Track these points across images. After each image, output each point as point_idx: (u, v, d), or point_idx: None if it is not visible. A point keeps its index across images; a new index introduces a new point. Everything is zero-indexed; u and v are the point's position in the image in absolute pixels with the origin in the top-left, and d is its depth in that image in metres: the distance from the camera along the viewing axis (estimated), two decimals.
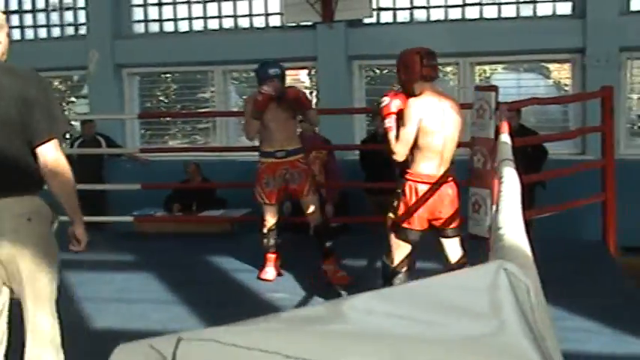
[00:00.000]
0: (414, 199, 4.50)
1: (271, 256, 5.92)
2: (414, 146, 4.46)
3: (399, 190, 4.56)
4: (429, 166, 4.49)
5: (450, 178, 4.59)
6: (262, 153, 5.75)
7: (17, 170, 2.98)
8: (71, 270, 6.33)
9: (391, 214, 4.63)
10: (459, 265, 4.60)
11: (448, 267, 4.67)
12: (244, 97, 10.30)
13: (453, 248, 4.68)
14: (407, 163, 4.52)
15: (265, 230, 5.86)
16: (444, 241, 4.68)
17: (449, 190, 4.58)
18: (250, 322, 0.79)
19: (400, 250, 4.63)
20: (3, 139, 2.94)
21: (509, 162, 2.63)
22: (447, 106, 4.52)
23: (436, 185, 4.51)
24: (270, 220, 5.83)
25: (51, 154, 2.99)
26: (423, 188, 4.50)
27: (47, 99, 3.05)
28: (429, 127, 4.41)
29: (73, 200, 3.13)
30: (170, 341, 0.74)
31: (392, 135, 4.45)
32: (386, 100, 4.56)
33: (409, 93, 4.53)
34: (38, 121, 2.96)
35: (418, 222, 4.56)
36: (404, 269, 4.66)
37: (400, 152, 4.46)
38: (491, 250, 1.55)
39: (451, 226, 4.66)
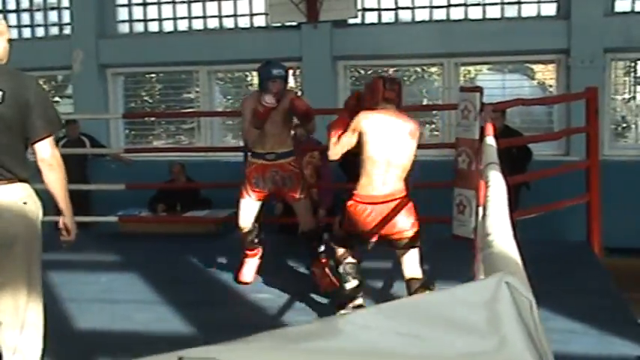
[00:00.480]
0: (355, 218, 4.65)
1: (251, 254, 5.78)
2: (361, 162, 4.64)
3: (344, 205, 4.76)
4: (372, 186, 4.60)
5: (399, 197, 4.62)
6: (253, 154, 5.67)
7: (16, 163, 3.36)
8: (55, 270, 6.30)
9: (336, 227, 4.90)
10: (416, 283, 4.62)
11: (406, 282, 4.69)
12: (229, 97, 10.30)
13: (406, 261, 4.68)
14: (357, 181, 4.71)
15: (243, 226, 5.67)
16: (397, 252, 4.72)
17: (393, 205, 4.61)
18: (249, 340, 0.78)
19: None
20: (4, 137, 3.29)
21: (495, 166, 2.63)
22: (400, 128, 4.62)
23: (379, 205, 4.59)
24: (247, 217, 5.65)
25: (47, 150, 3.39)
26: (363, 208, 4.61)
27: (44, 101, 3.43)
28: (371, 142, 4.56)
29: (65, 192, 3.57)
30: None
31: (334, 136, 4.75)
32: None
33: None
34: (35, 121, 3.33)
35: (361, 238, 4.75)
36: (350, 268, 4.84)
37: (333, 153, 4.78)
38: (480, 257, 1.55)
39: (399, 239, 4.65)
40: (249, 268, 5.79)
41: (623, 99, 9.26)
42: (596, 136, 6.69)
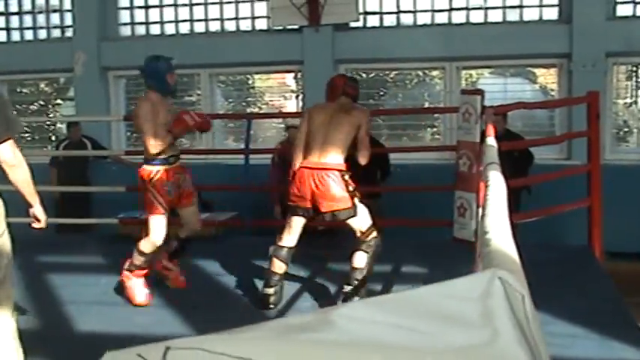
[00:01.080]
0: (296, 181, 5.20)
1: (142, 274, 5.47)
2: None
3: None
4: (309, 154, 5.20)
5: (331, 167, 5.11)
6: (160, 160, 5.30)
7: None
8: (54, 272, 6.30)
9: None
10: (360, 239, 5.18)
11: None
12: (230, 99, 10.29)
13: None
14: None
15: (149, 250, 5.35)
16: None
17: (325, 176, 5.08)
18: (239, 331, 0.78)
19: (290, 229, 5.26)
20: None
21: (495, 165, 2.63)
22: (337, 112, 5.32)
23: (312, 171, 5.12)
24: (163, 231, 5.35)
25: (9, 151, 3.59)
26: (302, 171, 5.18)
27: (3, 106, 3.62)
28: (312, 122, 5.32)
29: (30, 187, 3.81)
30: (158, 350, 0.72)
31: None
32: None
33: None
34: None
35: (302, 200, 5.17)
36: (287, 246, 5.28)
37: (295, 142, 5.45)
38: (478, 255, 1.54)
39: (328, 210, 5.11)
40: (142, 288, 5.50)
41: (625, 103, 9.27)
42: (597, 140, 6.68)
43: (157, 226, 5.30)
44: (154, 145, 5.19)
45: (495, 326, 0.77)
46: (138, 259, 5.37)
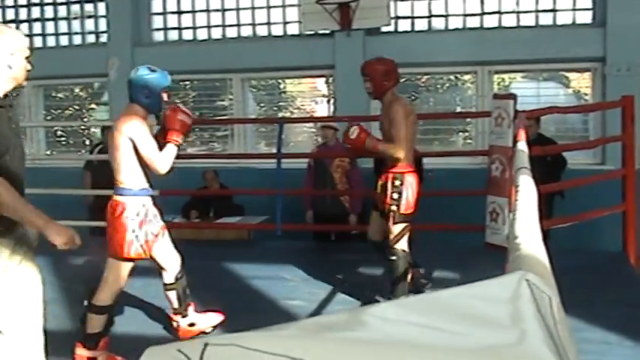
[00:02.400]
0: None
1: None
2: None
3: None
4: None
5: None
6: (142, 189, 4.49)
7: None
8: (89, 274, 6.37)
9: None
10: None
11: None
12: (262, 104, 10.33)
13: None
14: None
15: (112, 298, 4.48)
16: None
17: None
18: (274, 328, 0.79)
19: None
20: None
21: (525, 170, 2.61)
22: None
23: None
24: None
25: None
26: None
27: None
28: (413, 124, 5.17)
29: (17, 212, 3.16)
30: (197, 346, 0.74)
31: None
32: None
33: None
34: None
35: None
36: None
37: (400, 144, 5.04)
38: (508, 260, 1.54)
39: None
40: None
41: None
42: (632, 144, 6.61)
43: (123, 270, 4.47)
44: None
45: (523, 327, 0.77)
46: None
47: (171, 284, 4.72)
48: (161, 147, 4.36)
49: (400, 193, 4.95)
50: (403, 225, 5.03)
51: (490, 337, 0.77)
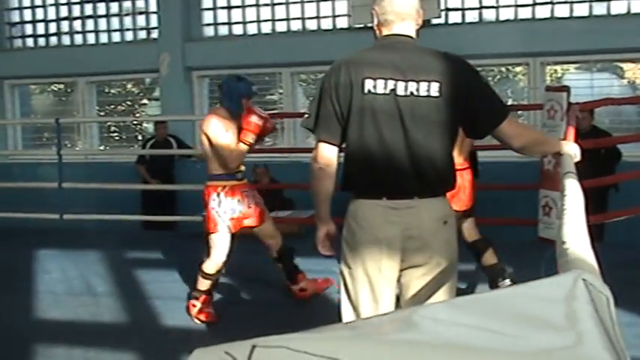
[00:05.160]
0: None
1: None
2: None
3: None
4: None
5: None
6: (225, 175, 5.08)
7: None
8: (143, 268, 6.46)
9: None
10: None
11: None
12: (311, 98, 10.36)
13: None
14: None
15: (213, 270, 5.03)
16: None
17: None
18: (322, 330, 0.79)
19: None
20: None
21: (572, 175, 2.57)
22: None
23: None
24: (225, 250, 5.08)
25: None
26: None
27: None
28: None
29: None
30: (245, 348, 0.74)
31: None
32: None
33: None
34: None
35: None
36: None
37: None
38: (558, 265, 1.52)
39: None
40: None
41: None
42: None
43: (220, 244, 5.02)
44: (231, 160, 4.97)
45: (580, 329, 0.76)
46: (203, 284, 5.06)
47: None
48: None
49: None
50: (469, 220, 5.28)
51: (546, 339, 0.76)
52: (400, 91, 2.77)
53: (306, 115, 3.00)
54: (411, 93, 2.76)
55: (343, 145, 2.94)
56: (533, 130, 3.13)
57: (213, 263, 5.01)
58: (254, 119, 4.96)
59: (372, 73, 2.79)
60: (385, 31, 2.98)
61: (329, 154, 2.93)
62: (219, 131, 4.92)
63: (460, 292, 5.36)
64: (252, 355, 0.72)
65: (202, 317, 5.03)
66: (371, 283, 2.87)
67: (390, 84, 2.77)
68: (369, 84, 2.78)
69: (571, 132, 4.67)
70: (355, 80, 2.80)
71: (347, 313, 3.00)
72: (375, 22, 3.03)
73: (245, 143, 4.95)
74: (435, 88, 2.76)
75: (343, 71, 2.83)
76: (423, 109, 2.77)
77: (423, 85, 2.77)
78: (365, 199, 2.87)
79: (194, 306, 5.06)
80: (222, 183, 5.06)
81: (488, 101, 2.89)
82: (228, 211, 5.04)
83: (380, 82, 2.77)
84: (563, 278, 0.90)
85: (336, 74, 2.86)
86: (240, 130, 4.99)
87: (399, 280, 2.92)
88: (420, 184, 2.81)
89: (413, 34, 2.98)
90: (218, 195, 5.03)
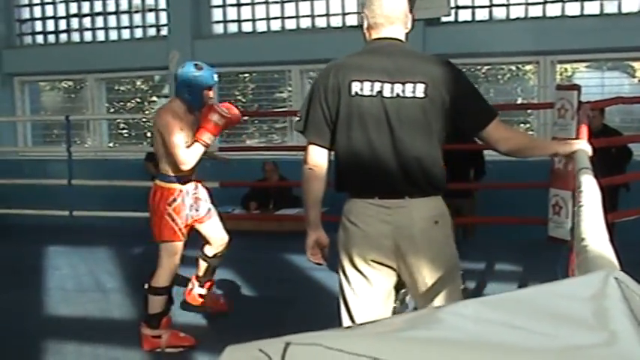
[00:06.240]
0: None
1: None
2: None
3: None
4: None
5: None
6: (179, 177, 4.64)
7: None
8: (150, 265, 6.47)
9: None
10: None
11: None
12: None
13: None
14: None
15: (167, 282, 4.64)
16: None
17: None
18: (357, 327, 0.78)
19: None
20: None
21: (587, 170, 2.56)
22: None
23: None
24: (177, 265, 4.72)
25: None
26: None
27: None
28: None
29: None
30: (278, 345, 0.73)
31: None
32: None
33: None
34: None
35: None
36: None
37: None
38: (576, 262, 1.50)
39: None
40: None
41: None
42: None
43: (176, 253, 4.64)
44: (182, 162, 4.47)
45: (613, 328, 0.75)
46: (157, 304, 4.63)
47: (207, 257, 4.98)
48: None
49: None
50: None
51: (578, 337, 0.75)
52: (386, 93, 2.81)
53: (297, 118, 3.02)
54: (397, 94, 2.81)
55: (333, 147, 2.96)
56: (522, 134, 3.20)
57: (166, 274, 4.59)
58: (214, 118, 4.50)
59: (359, 76, 2.84)
60: (374, 35, 3.02)
61: (319, 157, 2.94)
62: (172, 130, 4.39)
63: (470, 292, 5.36)
64: (286, 352, 0.72)
65: (180, 342, 4.61)
66: (367, 279, 2.91)
67: (377, 86, 2.82)
68: (355, 86, 2.84)
69: (584, 130, 4.66)
70: (342, 83, 2.85)
71: (345, 311, 3.01)
72: (365, 25, 3.05)
73: (202, 144, 4.48)
74: (420, 90, 2.81)
75: (332, 75, 2.89)
76: (409, 111, 2.81)
77: (409, 87, 2.81)
78: (358, 198, 2.89)
79: (156, 337, 4.56)
80: (178, 187, 4.60)
81: (474, 103, 2.94)
82: (182, 217, 4.60)
83: (367, 85, 2.83)
84: (593, 276, 0.89)
85: (324, 78, 2.92)
86: (197, 126, 4.53)
87: (400, 280, 2.95)
88: (408, 185, 2.85)
89: (402, 37, 3.05)
90: (174, 200, 4.57)
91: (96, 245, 7.36)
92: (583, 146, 3.10)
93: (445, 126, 2.90)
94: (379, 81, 2.82)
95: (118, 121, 11.53)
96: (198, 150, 4.47)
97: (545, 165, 6.33)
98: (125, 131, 11.52)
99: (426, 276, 2.86)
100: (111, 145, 11.30)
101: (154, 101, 11.50)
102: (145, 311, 4.60)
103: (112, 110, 11.34)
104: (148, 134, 11.25)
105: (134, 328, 4.77)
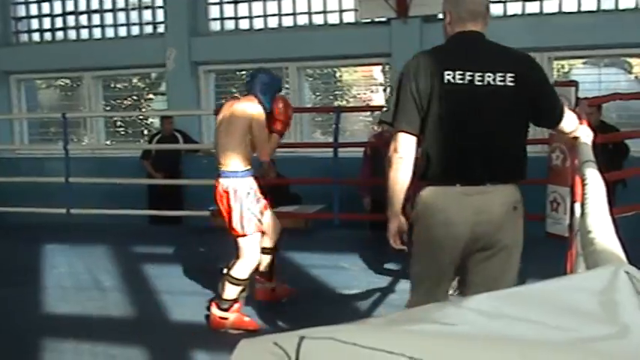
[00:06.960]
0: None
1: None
2: None
3: None
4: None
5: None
6: (248, 170, 4.80)
7: None
8: (151, 263, 6.47)
9: None
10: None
11: None
12: (318, 93, 10.33)
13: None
14: None
15: (247, 275, 4.77)
16: None
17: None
18: (370, 321, 0.78)
19: None
20: None
21: (591, 163, 2.57)
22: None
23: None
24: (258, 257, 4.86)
25: None
26: None
27: None
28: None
29: None
30: (293, 338, 0.73)
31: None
32: None
33: None
34: None
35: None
36: None
37: None
38: (583, 255, 1.50)
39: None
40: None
41: None
42: None
43: (256, 246, 4.80)
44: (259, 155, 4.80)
45: (626, 320, 0.75)
46: (233, 292, 4.72)
47: (268, 249, 5.03)
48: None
49: None
50: None
51: (591, 330, 0.75)
52: (477, 81, 2.91)
53: (384, 109, 3.11)
54: (488, 83, 2.92)
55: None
56: (577, 121, 3.35)
57: (249, 267, 4.72)
58: (281, 108, 4.90)
59: (451, 65, 2.94)
60: (458, 29, 3.14)
61: (409, 145, 3.01)
62: (264, 126, 4.73)
63: None
64: (300, 346, 0.72)
65: (245, 326, 4.69)
66: (438, 265, 3.01)
67: (468, 75, 2.92)
68: (448, 75, 2.92)
69: (584, 123, 4.65)
70: (435, 71, 2.94)
71: (414, 294, 3.12)
72: (448, 19, 3.20)
73: (279, 134, 4.91)
74: (510, 79, 2.93)
75: (422, 64, 2.99)
76: (499, 99, 2.94)
77: (499, 76, 2.93)
78: (439, 185, 2.97)
79: (224, 319, 4.69)
80: (251, 180, 4.78)
81: (553, 100, 3.12)
82: (258, 208, 4.77)
83: (458, 73, 2.92)
84: (604, 270, 0.89)
85: (415, 67, 3.00)
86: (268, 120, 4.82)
87: (465, 264, 3.02)
88: (492, 171, 2.95)
89: (484, 30, 3.16)
90: (249, 193, 4.72)
91: (93, 243, 7.35)
92: (583, 133, 3.25)
93: (528, 116, 3.05)
94: (470, 70, 2.91)
95: (115, 118, 11.51)
96: (277, 140, 4.92)
97: (543, 161, 6.33)
98: (122, 129, 11.51)
99: (496, 259, 2.97)
100: (108, 142, 11.28)
101: (150, 99, 11.49)
102: (219, 292, 4.74)
103: (108, 108, 11.32)
104: (145, 132, 11.24)
105: (132, 326, 4.76)
